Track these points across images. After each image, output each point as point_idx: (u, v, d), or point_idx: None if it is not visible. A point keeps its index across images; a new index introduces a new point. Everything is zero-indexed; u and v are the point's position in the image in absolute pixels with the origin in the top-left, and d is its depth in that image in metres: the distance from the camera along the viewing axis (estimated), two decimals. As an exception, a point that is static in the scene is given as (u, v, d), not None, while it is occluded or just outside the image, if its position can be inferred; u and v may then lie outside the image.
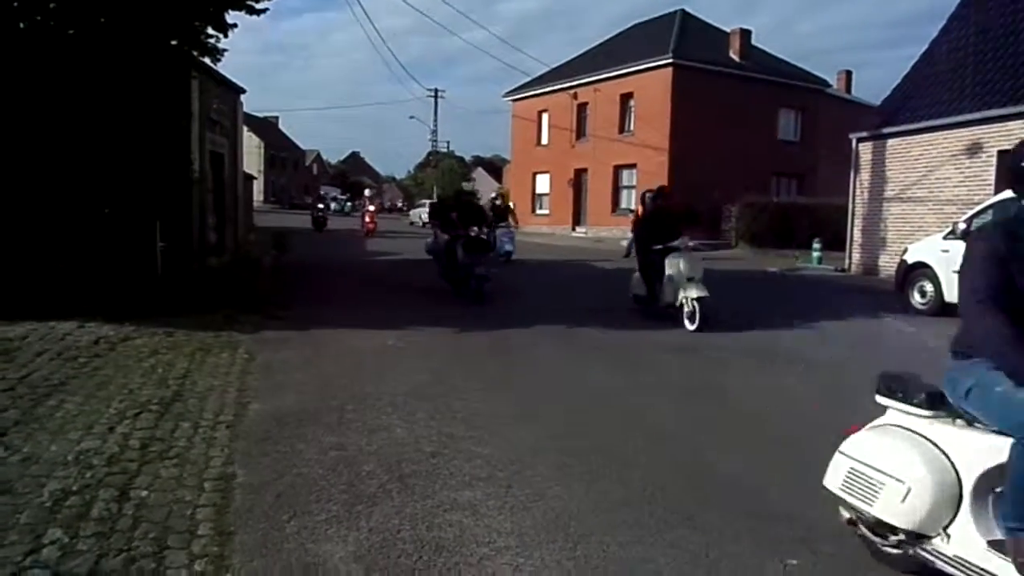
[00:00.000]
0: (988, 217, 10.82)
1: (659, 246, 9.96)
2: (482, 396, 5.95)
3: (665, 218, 10.39)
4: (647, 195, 11.42)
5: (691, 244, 10.38)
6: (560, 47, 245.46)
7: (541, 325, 9.39)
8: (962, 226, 10.92)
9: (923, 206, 16.65)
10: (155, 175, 10.21)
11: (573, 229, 33.61)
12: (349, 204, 61.45)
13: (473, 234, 11.80)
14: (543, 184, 36.67)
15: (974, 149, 15.43)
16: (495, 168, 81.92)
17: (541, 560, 3.24)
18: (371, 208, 33.81)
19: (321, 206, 36.04)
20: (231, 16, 10.67)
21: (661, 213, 10.52)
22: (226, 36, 10.88)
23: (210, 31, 10.70)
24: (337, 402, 5.62)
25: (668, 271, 9.65)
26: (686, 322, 9.34)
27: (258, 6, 10.63)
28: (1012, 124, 14.60)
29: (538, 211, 37.06)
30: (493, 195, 24.45)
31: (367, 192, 40.01)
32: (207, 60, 11.58)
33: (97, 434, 4.59)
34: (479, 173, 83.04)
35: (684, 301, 9.40)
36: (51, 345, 6.86)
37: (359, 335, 8.46)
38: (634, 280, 10.63)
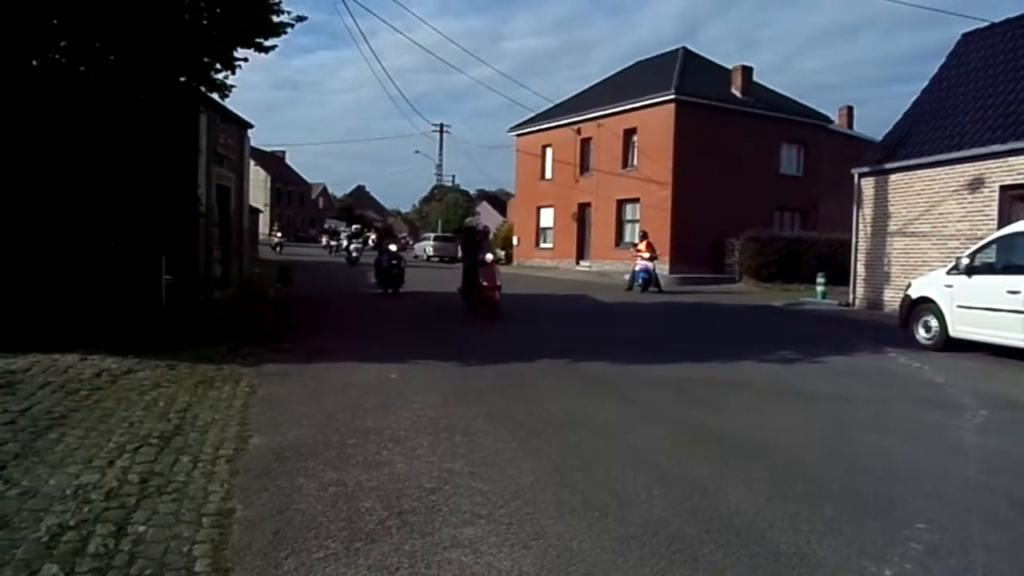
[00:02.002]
0: (991, 252, 10.84)
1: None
2: (484, 430, 5.91)
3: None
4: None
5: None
6: (564, 83, 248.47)
7: (546, 359, 9.37)
8: (965, 261, 10.93)
9: (926, 241, 16.67)
10: (162, 209, 10.31)
11: (577, 263, 33.69)
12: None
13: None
14: (547, 218, 36.85)
15: (976, 184, 15.49)
16: (499, 202, 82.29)
17: (541, 600, 3.19)
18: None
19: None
20: (239, 53, 10.84)
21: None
22: (233, 73, 11.04)
23: (218, 67, 10.86)
24: (338, 436, 5.59)
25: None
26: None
27: (266, 43, 10.80)
28: (1014, 159, 14.68)
29: (542, 245, 37.19)
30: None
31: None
32: (215, 96, 11.74)
33: (96, 468, 4.56)
34: (483, 207, 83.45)
35: None
36: (54, 378, 6.86)
37: (361, 368, 8.45)
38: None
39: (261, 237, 41.16)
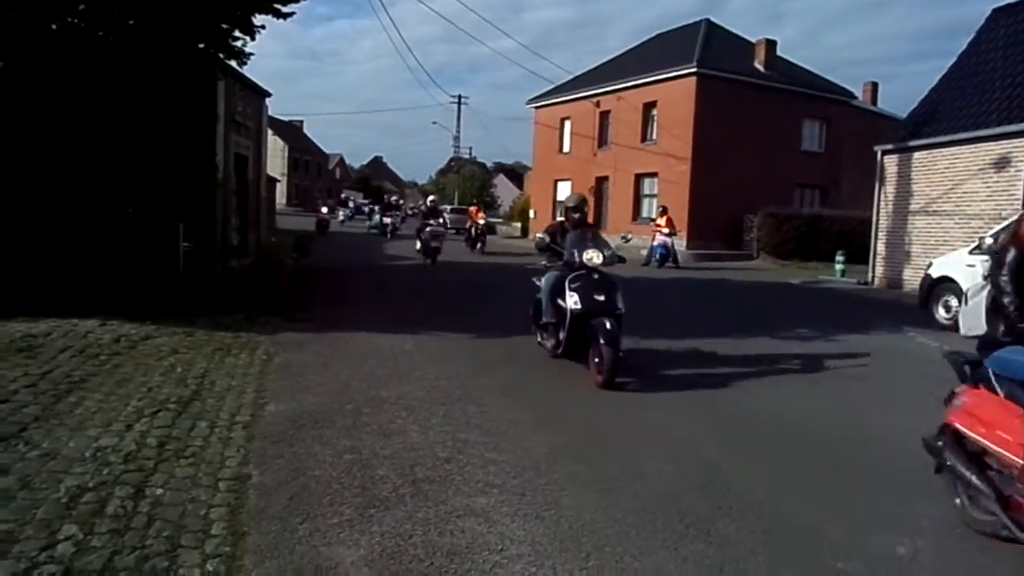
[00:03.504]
0: (1016, 232, 10.66)
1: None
2: (497, 402, 5.93)
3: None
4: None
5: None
6: (584, 56, 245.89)
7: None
8: (989, 241, 10.74)
9: (949, 220, 16.43)
10: (180, 176, 10.33)
11: (593, 237, 33.49)
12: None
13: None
14: (564, 191, 36.57)
15: (1002, 163, 15.20)
16: (516, 175, 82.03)
17: (553, 570, 3.21)
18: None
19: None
20: (258, 19, 10.78)
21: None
22: (253, 39, 10.99)
23: (237, 34, 10.80)
24: (353, 405, 5.63)
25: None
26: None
27: (284, 9, 10.72)
28: (1041, 138, 14.38)
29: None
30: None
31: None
32: (233, 63, 11.69)
33: (115, 431, 4.63)
34: (500, 180, 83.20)
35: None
36: (73, 342, 6.94)
37: (377, 338, 8.48)
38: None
39: (279, 207, 40.95)
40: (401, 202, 53.59)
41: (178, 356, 6.85)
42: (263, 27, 10.88)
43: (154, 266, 9.87)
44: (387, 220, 33.25)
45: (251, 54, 11.28)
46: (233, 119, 14.86)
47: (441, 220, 21.28)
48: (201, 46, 10.61)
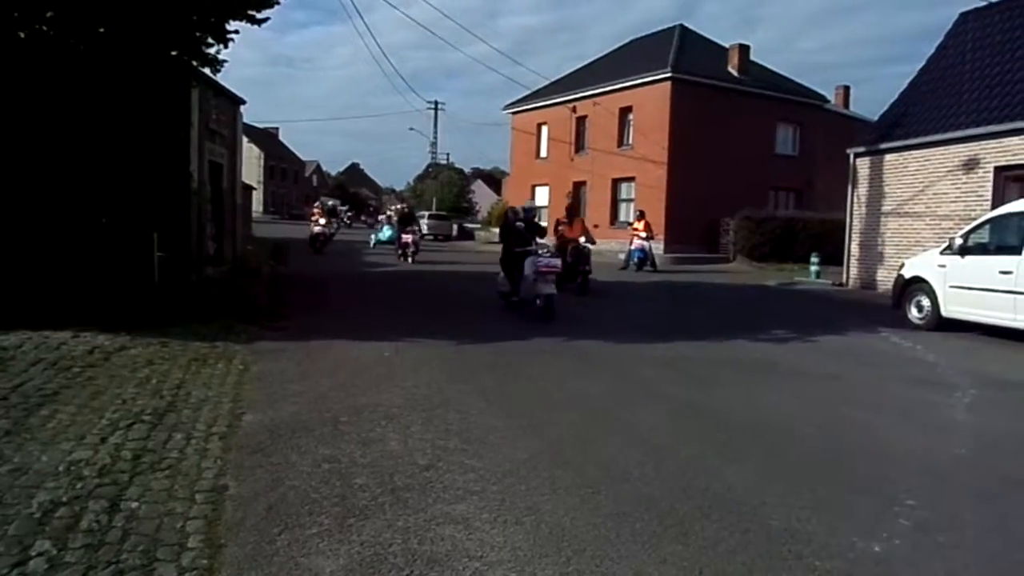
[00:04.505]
0: (985, 233, 10.86)
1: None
2: (478, 408, 5.92)
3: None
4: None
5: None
6: (562, 62, 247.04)
7: (541, 338, 9.38)
8: (959, 241, 10.94)
9: (920, 221, 16.69)
10: (153, 185, 10.21)
11: (572, 242, 33.59)
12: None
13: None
14: (542, 197, 36.69)
15: (971, 164, 15.49)
16: (494, 180, 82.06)
17: (533, 575, 3.21)
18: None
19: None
20: (231, 26, 10.68)
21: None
22: (226, 46, 10.88)
23: (210, 41, 10.71)
24: (331, 414, 5.59)
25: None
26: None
27: (258, 16, 10.65)
28: (1008, 140, 14.67)
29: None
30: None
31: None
32: (207, 71, 11.59)
33: (89, 444, 4.56)
34: (478, 185, 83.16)
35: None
36: (46, 354, 6.83)
37: (355, 346, 8.44)
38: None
39: (255, 215, 40.28)
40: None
41: (153, 367, 6.76)
42: (237, 32, 10.80)
43: (128, 276, 9.74)
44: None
45: (225, 61, 11.18)
46: (207, 127, 14.74)
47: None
48: (174, 53, 10.49)
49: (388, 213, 38.44)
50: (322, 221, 25.70)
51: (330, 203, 42.08)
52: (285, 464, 4.46)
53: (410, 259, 22.00)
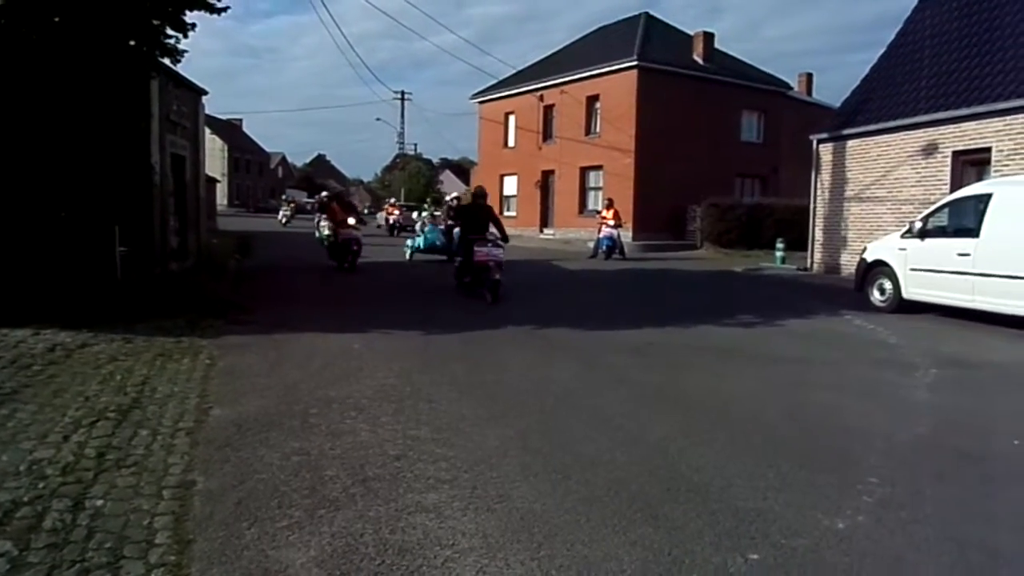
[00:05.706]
0: (943, 216, 11.10)
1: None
2: (448, 397, 5.92)
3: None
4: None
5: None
6: (530, 51, 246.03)
7: (511, 327, 9.40)
8: (918, 225, 11.17)
9: (882, 206, 17.00)
10: (114, 178, 10.01)
11: (541, 231, 33.67)
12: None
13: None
14: (511, 186, 36.67)
15: (930, 149, 15.79)
16: (463, 170, 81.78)
17: (505, 561, 3.23)
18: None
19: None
20: (191, 16, 10.50)
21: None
22: (186, 36, 10.70)
23: (169, 31, 10.51)
24: (301, 406, 5.55)
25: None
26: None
27: (219, 4, 10.47)
28: (966, 125, 14.98)
29: (506, 213, 36.96)
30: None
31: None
32: (167, 61, 11.37)
33: (51, 443, 4.47)
34: (447, 175, 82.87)
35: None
36: (4, 352, 6.68)
37: (324, 338, 8.38)
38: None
39: (220, 208, 39.72)
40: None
41: (117, 364, 6.65)
42: (195, 25, 10.62)
43: (90, 271, 9.54)
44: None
45: (185, 51, 10.98)
46: (168, 118, 14.45)
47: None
48: (132, 43, 10.27)
49: (431, 209, 27.66)
50: (351, 220, 17.46)
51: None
52: (254, 458, 4.43)
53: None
